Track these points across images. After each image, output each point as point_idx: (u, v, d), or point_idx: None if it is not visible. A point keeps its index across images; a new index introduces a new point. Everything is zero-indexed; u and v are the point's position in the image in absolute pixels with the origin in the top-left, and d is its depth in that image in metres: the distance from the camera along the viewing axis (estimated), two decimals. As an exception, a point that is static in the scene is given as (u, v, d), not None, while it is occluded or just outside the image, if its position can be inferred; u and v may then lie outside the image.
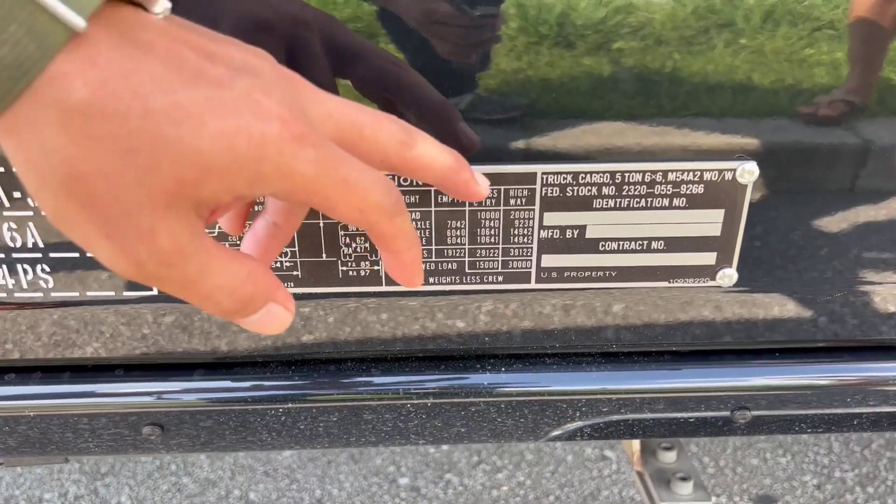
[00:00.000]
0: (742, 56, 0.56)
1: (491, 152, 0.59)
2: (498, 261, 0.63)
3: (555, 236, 0.62)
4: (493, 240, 0.62)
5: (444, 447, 1.92)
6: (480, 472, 1.86)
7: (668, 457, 1.03)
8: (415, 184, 0.59)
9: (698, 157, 0.60)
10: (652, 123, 0.59)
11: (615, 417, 0.71)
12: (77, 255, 0.62)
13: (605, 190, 0.60)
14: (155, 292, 0.64)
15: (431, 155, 0.45)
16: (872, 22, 0.56)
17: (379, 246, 0.46)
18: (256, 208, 0.58)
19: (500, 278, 0.64)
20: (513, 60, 0.56)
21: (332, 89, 0.55)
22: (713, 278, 0.64)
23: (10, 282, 0.63)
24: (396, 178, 0.59)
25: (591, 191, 0.60)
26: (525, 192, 0.60)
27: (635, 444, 1.06)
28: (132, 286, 0.63)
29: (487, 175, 0.59)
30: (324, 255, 0.62)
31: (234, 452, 1.61)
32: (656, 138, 0.59)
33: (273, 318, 0.42)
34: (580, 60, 0.56)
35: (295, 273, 0.63)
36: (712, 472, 1.83)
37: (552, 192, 0.60)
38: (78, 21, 0.32)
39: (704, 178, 0.60)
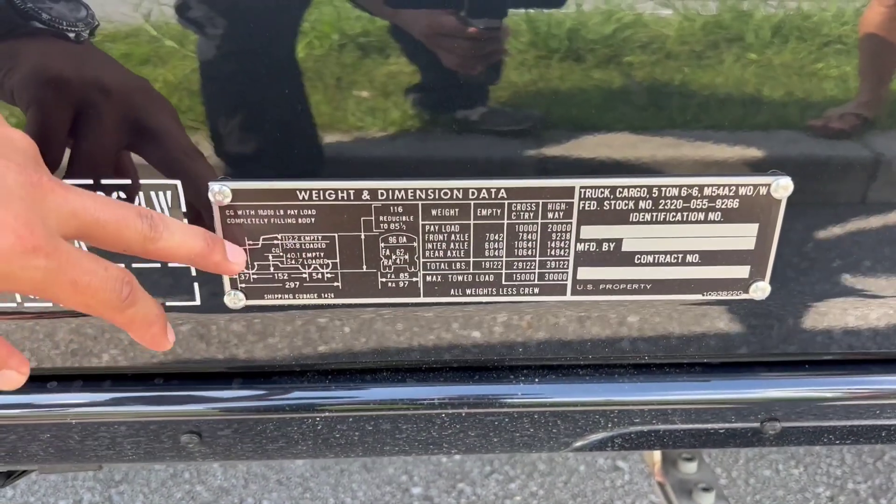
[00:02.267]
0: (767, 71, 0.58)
1: (531, 166, 0.61)
2: (535, 273, 0.64)
3: (591, 249, 0.63)
4: (530, 252, 0.63)
5: (457, 456, 1.92)
6: (493, 481, 1.86)
7: (690, 467, 1.04)
8: (454, 197, 0.61)
9: (734, 172, 0.61)
10: (689, 138, 0.60)
11: (647, 428, 0.72)
12: (121, 265, 0.63)
13: (641, 204, 0.61)
14: (197, 302, 0.65)
15: (177, 244, 0.50)
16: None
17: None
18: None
19: (537, 290, 0.65)
20: (561, 78, 0.58)
21: (110, 159, 0.58)
22: (746, 291, 0.65)
23: (56, 291, 0.64)
24: (437, 192, 0.60)
25: (627, 205, 0.61)
26: (563, 206, 0.61)
27: (656, 454, 1.07)
28: (173, 295, 0.65)
29: (526, 189, 0.60)
30: (364, 267, 0.63)
31: (271, 461, 1.62)
32: (692, 152, 0.60)
33: (6, 380, 0.46)
34: (622, 77, 0.57)
35: (335, 284, 0.64)
36: (725, 482, 1.83)
37: (590, 206, 0.61)
38: None
39: (739, 193, 0.61)
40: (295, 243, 0.62)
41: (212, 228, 0.61)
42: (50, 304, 0.64)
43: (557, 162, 0.61)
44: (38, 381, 0.69)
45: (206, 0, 0.55)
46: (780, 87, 0.58)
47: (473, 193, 0.61)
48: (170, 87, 0.56)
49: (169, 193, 0.60)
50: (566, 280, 0.64)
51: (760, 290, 0.64)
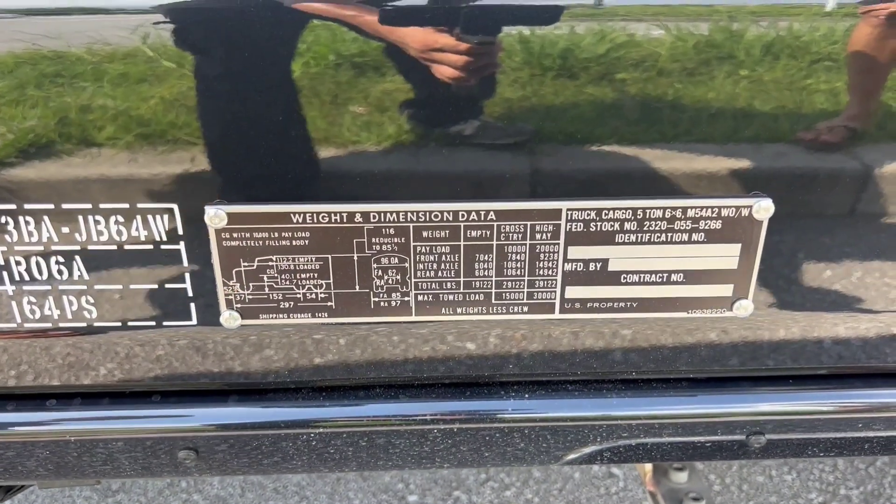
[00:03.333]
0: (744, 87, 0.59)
1: (518, 189, 0.62)
2: (523, 292, 0.66)
3: (578, 269, 0.65)
4: (519, 272, 0.65)
5: (453, 464, 1.93)
6: (488, 489, 1.87)
7: (680, 477, 1.05)
8: (445, 218, 0.62)
9: (716, 193, 0.62)
10: (674, 159, 0.61)
11: (634, 442, 0.73)
12: (119, 286, 0.64)
13: (626, 225, 0.63)
14: (194, 322, 0.66)
15: None
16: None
17: None
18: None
19: (526, 308, 0.66)
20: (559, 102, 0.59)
21: None
22: (730, 309, 0.66)
23: (56, 312, 0.65)
24: (428, 214, 0.62)
25: (613, 226, 0.63)
26: (550, 227, 0.63)
27: (647, 464, 1.08)
28: (169, 315, 0.66)
29: (515, 211, 0.62)
30: (357, 287, 0.65)
31: (266, 475, 1.63)
32: (677, 172, 0.62)
33: None
34: (612, 98, 0.59)
35: (329, 304, 0.65)
36: (718, 489, 1.85)
37: (576, 227, 0.63)
38: None
39: (722, 214, 0.63)
40: (289, 264, 0.63)
41: (208, 251, 0.62)
42: (49, 324, 0.66)
43: (545, 183, 0.62)
44: (38, 398, 0.70)
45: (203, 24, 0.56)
46: (764, 107, 0.60)
47: (463, 216, 0.62)
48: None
49: (166, 217, 0.62)
50: (554, 299, 0.66)
51: (743, 307, 0.66)
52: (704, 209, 0.62)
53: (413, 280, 0.65)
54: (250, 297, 0.64)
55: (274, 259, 0.63)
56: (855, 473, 1.88)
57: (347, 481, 1.89)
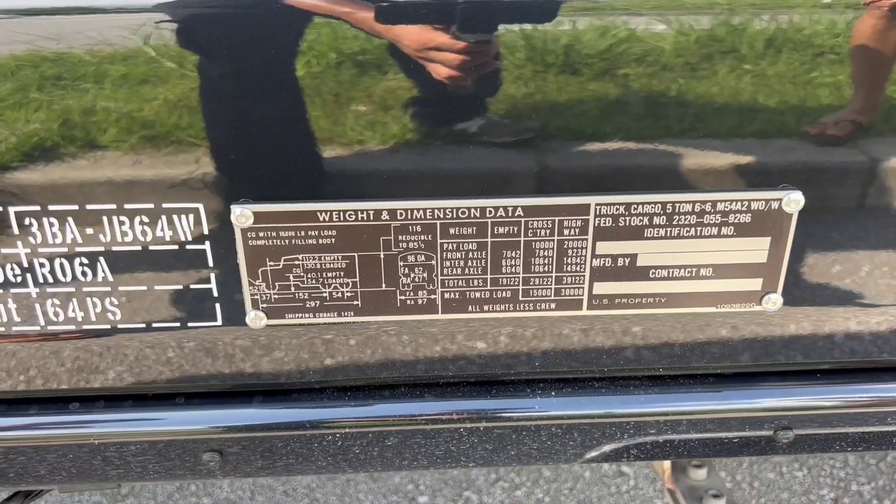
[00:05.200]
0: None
1: (546, 184, 0.62)
2: (551, 288, 0.65)
3: (606, 264, 0.64)
4: (546, 268, 0.64)
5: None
6: (499, 489, 1.87)
7: (699, 474, 1.05)
8: (472, 215, 0.62)
9: (746, 188, 0.62)
10: (703, 152, 0.61)
11: (661, 438, 0.73)
12: (144, 287, 0.64)
13: (656, 220, 0.63)
14: (219, 322, 0.66)
15: None
16: None
17: None
18: None
19: (553, 305, 0.66)
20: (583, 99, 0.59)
21: None
22: (759, 303, 0.66)
23: (80, 314, 0.65)
24: (455, 211, 0.61)
25: (642, 220, 0.62)
26: (578, 223, 0.63)
27: (666, 462, 1.08)
28: (194, 316, 0.65)
29: (542, 207, 0.62)
30: (383, 286, 0.64)
31: (287, 476, 1.62)
32: (705, 166, 0.62)
33: None
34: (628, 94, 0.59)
35: (355, 302, 0.65)
36: (730, 486, 1.84)
37: (605, 223, 0.62)
38: None
39: (752, 208, 0.62)
40: (315, 263, 0.63)
41: (233, 250, 0.62)
42: (72, 326, 0.65)
43: (574, 178, 0.62)
44: (61, 401, 0.69)
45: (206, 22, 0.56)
46: (789, 100, 0.59)
47: (490, 212, 0.62)
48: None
49: (192, 217, 0.61)
50: (582, 295, 0.66)
51: (773, 302, 0.66)
52: (734, 202, 0.62)
53: (440, 278, 0.64)
54: (276, 296, 0.64)
55: (300, 258, 0.62)
56: (866, 469, 1.87)
57: (357, 483, 1.88)
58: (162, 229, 0.62)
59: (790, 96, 0.59)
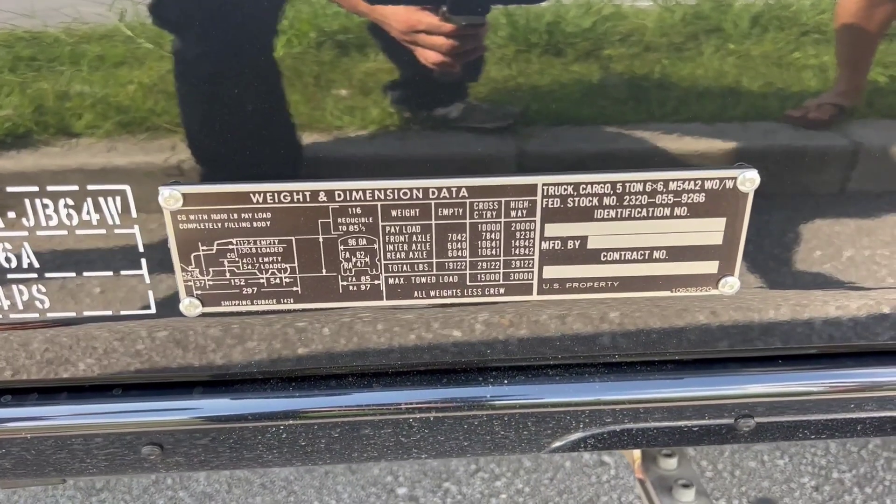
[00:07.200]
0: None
1: (491, 164, 0.59)
2: (499, 273, 0.63)
3: (556, 247, 0.62)
4: (494, 252, 0.62)
5: (442, 456, 1.90)
6: (479, 480, 1.85)
7: (670, 463, 1.03)
8: (414, 196, 0.59)
9: (701, 166, 0.59)
10: (659, 131, 0.58)
11: (618, 427, 0.70)
12: (73, 274, 0.61)
13: (606, 200, 0.60)
14: (153, 311, 0.63)
15: None
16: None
17: None
18: None
19: (502, 290, 0.63)
20: (506, 70, 0.56)
21: None
22: (715, 287, 0.63)
23: (6, 302, 0.62)
24: (396, 192, 0.59)
25: (592, 201, 0.60)
26: (526, 204, 0.60)
27: (635, 451, 1.06)
28: (126, 304, 0.63)
29: (488, 187, 0.59)
30: (323, 271, 0.62)
31: (242, 470, 1.60)
32: (661, 145, 0.59)
33: None
34: (578, 69, 0.56)
35: (294, 289, 0.62)
36: (710, 475, 1.83)
37: (553, 203, 0.60)
38: None
39: (705, 187, 0.60)
40: (251, 248, 0.60)
41: (164, 234, 0.59)
42: None
43: (520, 159, 0.59)
44: (-8, 395, 0.67)
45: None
46: (753, 80, 0.57)
47: (434, 193, 0.59)
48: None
49: (118, 199, 0.58)
50: (532, 279, 0.63)
51: (729, 285, 0.63)
52: (687, 181, 0.59)
53: (383, 262, 0.62)
54: (211, 283, 0.61)
55: (234, 242, 0.60)
56: (847, 456, 1.86)
57: (336, 475, 1.86)
58: (88, 213, 0.59)
59: (748, 74, 0.56)
